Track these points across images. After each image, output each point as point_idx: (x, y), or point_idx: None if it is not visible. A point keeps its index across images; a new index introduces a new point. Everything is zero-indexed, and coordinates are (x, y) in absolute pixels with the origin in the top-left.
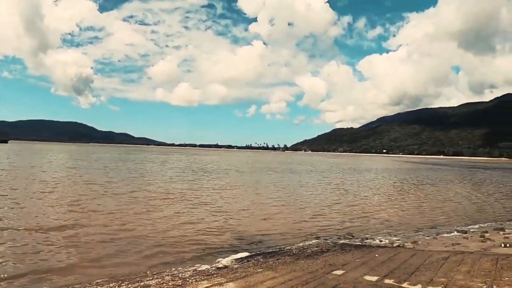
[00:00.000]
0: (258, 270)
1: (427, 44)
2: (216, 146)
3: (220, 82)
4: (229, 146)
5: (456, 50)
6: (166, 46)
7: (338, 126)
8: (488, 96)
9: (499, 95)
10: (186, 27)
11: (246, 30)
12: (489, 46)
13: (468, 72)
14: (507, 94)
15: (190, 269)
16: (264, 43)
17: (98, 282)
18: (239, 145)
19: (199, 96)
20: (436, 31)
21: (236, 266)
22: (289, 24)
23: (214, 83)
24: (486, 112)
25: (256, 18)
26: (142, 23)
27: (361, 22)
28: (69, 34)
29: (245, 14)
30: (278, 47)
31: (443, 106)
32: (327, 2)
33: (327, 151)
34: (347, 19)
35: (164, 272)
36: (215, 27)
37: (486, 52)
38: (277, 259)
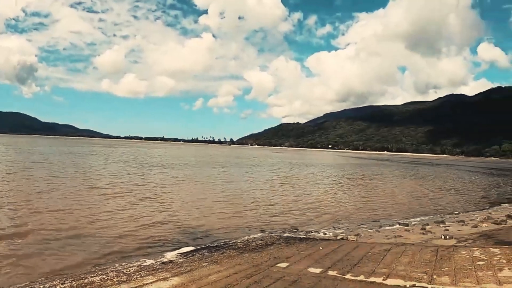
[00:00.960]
0: (203, 264)
1: (375, 43)
2: (162, 139)
3: (167, 74)
4: (176, 140)
5: (403, 51)
6: (114, 35)
7: (285, 121)
8: (432, 96)
9: (442, 95)
10: (135, 17)
11: (196, 22)
12: (435, 49)
13: (413, 73)
14: (450, 94)
15: (135, 264)
16: (214, 36)
17: (41, 281)
18: (185, 138)
19: (146, 88)
20: (384, 32)
21: (181, 260)
22: (239, 17)
23: (161, 75)
24: (429, 111)
25: (207, 10)
26: (90, 10)
27: (312, 19)
28: (13, 19)
29: (196, 5)
30: (228, 41)
31: (388, 104)
32: None
33: (274, 146)
34: (297, 15)
35: (109, 268)
36: (164, 18)
37: (432, 54)
38: (222, 253)
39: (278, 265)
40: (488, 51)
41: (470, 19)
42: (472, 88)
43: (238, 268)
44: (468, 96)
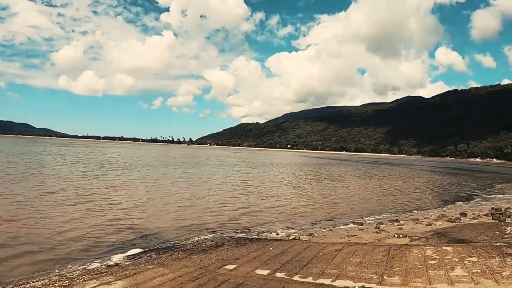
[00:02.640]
0: (149, 267)
1: (336, 45)
2: (121, 138)
3: (126, 72)
4: (134, 139)
5: (363, 53)
6: (73, 31)
7: (244, 121)
8: (390, 97)
9: (400, 97)
10: (95, 12)
11: (157, 19)
12: (395, 52)
13: (373, 74)
14: (408, 96)
15: (79, 268)
16: (175, 34)
17: None
18: (144, 137)
19: (104, 85)
20: (345, 34)
21: (128, 263)
22: (201, 16)
23: (120, 72)
24: (388, 112)
25: (169, 7)
26: (49, 4)
27: (274, 20)
28: None
29: (158, 3)
30: (188, 39)
31: (347, 105)
32: None
33: (233, 146)
34: (260, 15)
35: (52, 272)
36: (125, 14)
37: (392, 56)
38: (170, 255)
39: (226, 267)
40: (446, 55)
41: (430, 24)
42: (429, 90)
43: (184, 270)
44: (425, 98)
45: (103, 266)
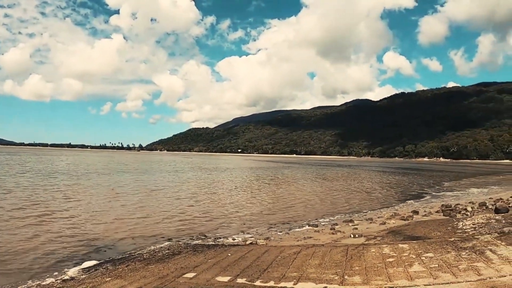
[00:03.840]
0: (107, 280)
1: (286, 49)
2: (69, 145)
3: (75, 76)
4: (83, 146)
5: (314, 57)
6: (19, 33)
7: (194, 125)
8: (339, 100)
9: (349, 100)
10: (42, 13)
11: (106, 22)
12: (344, 56)
13: (322, 78)
14: (356, 99)
15: (33, 284)
16: (124, 38)
17: None
18: (93, 144)
19: (52, 90)
20: (296, 38)
21: (84, 276)
22: (152, 19)
23: (68, 77)
24: (337, 115)
25: (119, 10)
26: None
27: (224, 24)
28: None
29: (107, 5)
30: (138, 43)
31: (297, 108)
32: (193, 0)
33: (183, 151)
34: (211, 19)
35: None
36: (74, 16)
37: (342, 61)
38: (126, 266)
39: (185, 275)
40: (394, 59)
41: (379, 29)
42: (377, 93)
43: (143, 281)
44: (374, 101)
45: (58, 281)
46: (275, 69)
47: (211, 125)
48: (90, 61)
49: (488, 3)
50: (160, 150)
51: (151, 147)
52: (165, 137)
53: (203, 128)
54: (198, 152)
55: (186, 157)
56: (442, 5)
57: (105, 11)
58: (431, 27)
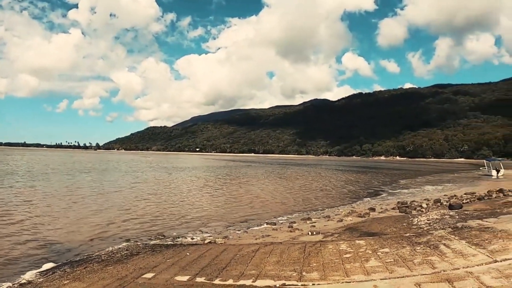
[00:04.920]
0: (65, 282)
1: (246, 48)
2: (24, 144)
3: (30, 72)
4: (38, 145)
5: (273, 57)
6: None
7: (152, 124)
8: (298, 100)
9: (307, 100)
10: None
11: (64, 16)
12: (304, 56)
13: (282, 78)
14: (315, 99)
15: None
16: (83, 33)
17: None
18: (48, 143)
19: (6, 86)
20: (256, 38)
21: (41, 279)
22: (111, 14)
23: (24, 72)
24: (295, 114)
25: (77, 4)
26: None
27: (185, 21)
28: None
29: None
30: (97, 38)
31: (256, 107)
32: None
33: (141, 150)
34: (171, 16)
35: None
36: (31, 9)
37: (301, 61)
38: (85, 268)
39: (144, 276)
40: (353, 60)
41: (338, 30)
42: (335, 93)
43: (101, 283)
44: (332, 101)
45: (15, 285)
46: (235, 68)
47: (169, 123)
48: (46, 56)
49: (447, 9)
50: (118, 149)
51: (108, 146)
52: (123, 136)
53: (161, 127)
54: (156, 151)
55: (144, 156)
56: (402, 9)
57: (63, 4)
58: (390, 30)
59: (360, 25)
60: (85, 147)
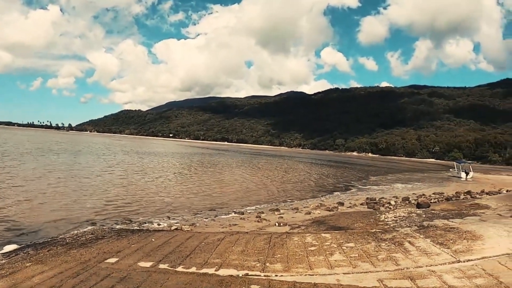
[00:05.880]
0: (27, 265)
1: (226, 36)
2: None
3: (5, 48)
4: (9, 123)
5: (253, 46)
6: None
7: (127, 107)
8: (274, 91)
9: (283, 92)
10: None
11: None
12: (284, 48)
13: (260, 68)
14: (291, 91)
15: None
16: (61, 10)
17: None
18: (20, 122)
19: None
20: (237, 26)
21: (4, 261)
22: None
23: None
24: (271, 105)
25: None
26: None
27: (166, 5)
28: None
29: None
30: (75, 17)
31: (231, 96)
32: None
33: (114, 133)
34: None
35: None
36: None
37: (280, 52)
38: (48, 250)
39: (107, 260)
40: (332, 55)
41: (320, 24)
42: (312, 87)
43: (64, 266)
44: (308, 94)
45: None
46: (213, 55)
47: (144, 107)
48: (23, 32)
49: (430, 11)
50: (90, 131)
51: (81, 127)
52: (96, 118)
53: (135, 110)
54: (129, 135)
55: (117, 139)
56: (385, 8)
57: None
58: (372, 28)
59: (342, 21)
60: (57, 128)
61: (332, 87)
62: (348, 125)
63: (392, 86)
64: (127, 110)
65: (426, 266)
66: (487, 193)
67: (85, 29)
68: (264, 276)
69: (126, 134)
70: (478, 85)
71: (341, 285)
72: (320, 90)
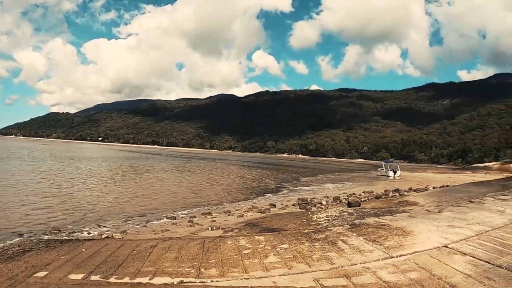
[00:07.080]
0: None
1: (157, 37)
2: None
3: None
4: None
5: (184, 48)
6: None
7: (54, 109)
8: (205, 94)
9: (214, 94)
10: None
11: None
12: (216, 50)
13: (191, 70)
14: (222, 94)
15: None
16: None
17: None
18: None
19: None
20: (169, 27)
21: None
22: None
23: None
24: (202, 108)
25: None
26: None
27: (98, 3)
28: None
29: None
30: (2, 12)
31: (162, 98)
32: None
33: (41, 137)
34: None
35: None
36: None
37: (212, 54)
38: None
39: (36, 274)
40: (263, 58)
41: (253, 28)
42: (243, 89)
43: None
44: (239, 97)
45: None
46: (144, 57)
47: (72, 110)
48: None
49: (361, 18)
50: (16, 135)
51: (6, 131)
52: (22, 121)
53: (63, 113)
54: (57, 139)
55: (44, 144)
56: (318, 14)
57: None
58: (304, 32)
59: (275, 25)
60: None
61: (263, 90)
62: (279, 128)
63: (322, 89)
64: (55, 113)
65: (360, 263)
66: (414, 190)
67: (13, 26)
68: (200, 282)
69: (54, 138)
70: (405, 89)
71: (278, 287)
72: (251, 93)
